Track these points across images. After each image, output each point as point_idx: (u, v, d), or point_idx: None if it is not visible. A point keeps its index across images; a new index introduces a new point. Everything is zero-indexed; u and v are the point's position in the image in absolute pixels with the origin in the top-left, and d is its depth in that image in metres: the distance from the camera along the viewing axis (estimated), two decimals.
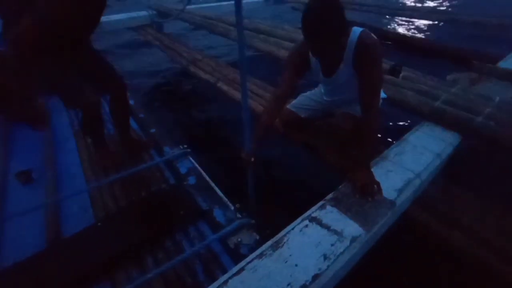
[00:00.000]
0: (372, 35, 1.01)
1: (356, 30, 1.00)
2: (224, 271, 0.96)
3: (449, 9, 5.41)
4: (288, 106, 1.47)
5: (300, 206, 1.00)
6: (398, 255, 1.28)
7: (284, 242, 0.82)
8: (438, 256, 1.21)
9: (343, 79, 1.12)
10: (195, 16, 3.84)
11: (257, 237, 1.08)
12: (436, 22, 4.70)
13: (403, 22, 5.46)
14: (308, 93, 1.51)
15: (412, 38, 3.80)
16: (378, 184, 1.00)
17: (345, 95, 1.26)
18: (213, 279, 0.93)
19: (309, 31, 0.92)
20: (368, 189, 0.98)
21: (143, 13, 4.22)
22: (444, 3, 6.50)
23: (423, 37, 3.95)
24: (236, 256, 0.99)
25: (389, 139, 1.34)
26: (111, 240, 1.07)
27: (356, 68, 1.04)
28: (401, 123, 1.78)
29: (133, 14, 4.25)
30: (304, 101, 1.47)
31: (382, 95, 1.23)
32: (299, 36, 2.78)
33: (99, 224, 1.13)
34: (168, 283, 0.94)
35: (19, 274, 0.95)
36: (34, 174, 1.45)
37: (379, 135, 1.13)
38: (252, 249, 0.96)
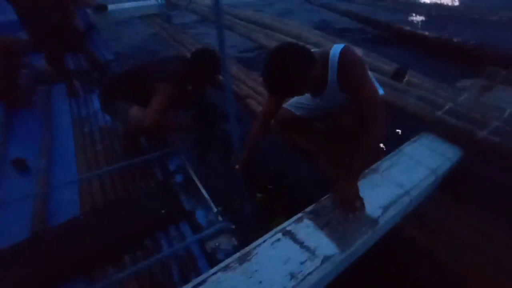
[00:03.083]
0: (353, 50, 0.98)
1: (337, 49, 0.98)
2: (199, 275, 0.96)
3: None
4: (283, 105, 1.43)
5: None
6: (382, 278, 1.20)
7: (252, 256, 0.80)
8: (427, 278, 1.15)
9: (332, 94, 1.12)
10: (202, 7, 3.76)
11: (236, 243, 1.07)
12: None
13: (406, 16, 4.61)
14: None
15: (418, 33, 3.22)
16: (361, 200, 0.95)
17: (338, 102, 1.22)
18: (187, 281, 0.93)
19: (275, 91, 0.97)
20: (350, 205, 0.93)
21: (152, 2, 4.12)
22: None
23: (430, 33, 3.19)
24: (213, 260, 0.99)
25: (384, 149, 1.27)
26: (91, 235, 1.09)
27: (342, 88, 1.04)
28: (399, 131, 1.67)
29: (141, 3, 4.18)
30: (299, 99, 1.45)
31: (380, 91, 1.18)
32: (305, 32, 2.67)
33: (81, 217, 1.15)
34: (142, 283, 0.95)
35: None
36: (30, 162, 1.49)
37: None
38: (229, 255, 0.95)
